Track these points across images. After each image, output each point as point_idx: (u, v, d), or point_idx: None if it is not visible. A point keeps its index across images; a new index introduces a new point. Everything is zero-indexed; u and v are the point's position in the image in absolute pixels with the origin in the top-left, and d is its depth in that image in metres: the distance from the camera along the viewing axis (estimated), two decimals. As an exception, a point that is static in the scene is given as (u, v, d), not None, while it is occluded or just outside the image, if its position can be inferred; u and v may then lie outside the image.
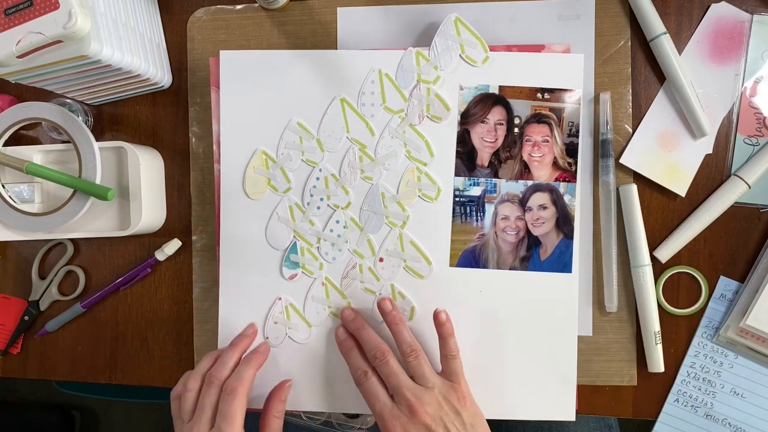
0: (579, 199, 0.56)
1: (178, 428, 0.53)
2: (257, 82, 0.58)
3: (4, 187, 0.60)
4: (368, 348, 0.54)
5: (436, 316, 0.54)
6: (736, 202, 0.56)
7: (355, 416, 0.63)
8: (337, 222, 0.57)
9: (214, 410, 0.51)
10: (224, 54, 0.58)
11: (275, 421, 0.54)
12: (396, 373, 0.52)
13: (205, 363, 0.54)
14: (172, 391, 0.54)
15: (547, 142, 0.56)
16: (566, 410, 0.56)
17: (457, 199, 0.57)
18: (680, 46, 0.56)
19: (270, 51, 0.58)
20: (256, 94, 0.58)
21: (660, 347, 0.56)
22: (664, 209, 0.58)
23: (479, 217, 0.57)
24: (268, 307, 0.58)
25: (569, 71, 0.55)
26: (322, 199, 0.58)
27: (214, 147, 0.59)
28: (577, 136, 0.56)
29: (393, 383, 0.51)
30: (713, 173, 0.57)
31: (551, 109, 0.56)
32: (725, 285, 0.57)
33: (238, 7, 0.60)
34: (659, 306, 0.57)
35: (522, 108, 0.56)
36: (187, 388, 0.53)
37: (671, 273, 0.57)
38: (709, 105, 0.56)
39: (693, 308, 0.57)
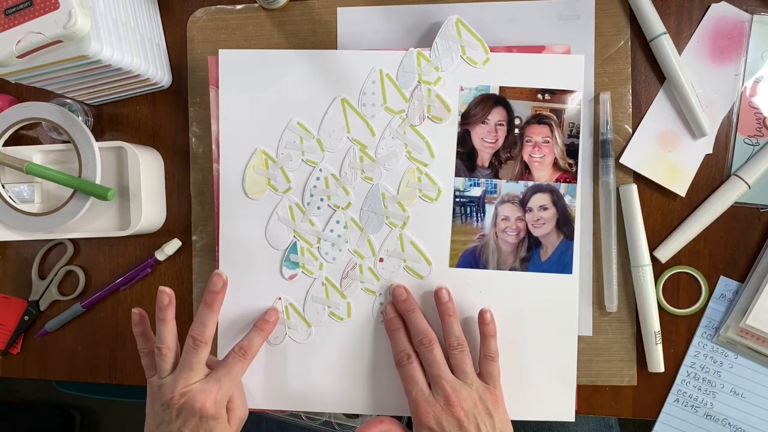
0: (579, 201, 0.56)
1: (154, 380, 0.53)
2: (257, 82, 0.58)
3: (4, 187, 0.60)
4: (416, 332, 0.54)
5: (481, 315, 0.54)
6: (736, 202, 0.56)
7: (355, 416, 0.63)
8: (338, 222, 0.57)
9: (202, 365, 0.52)
10: (223, 53, 0.58)
11: (258, 336, 0.55)
12: (439, 362, 0.52)
13: (168, 330, 0.53)
14: (143, 347, 0.54)
15: (548, 142, 0.56)
16: (566, 411, 0.56)
17: (458, 199, 0.57)
18: (680, 46, 0.56)
19: (270, 50, 0.58)
20: (255, 94, 0.58)
21: (660, 347, 0.56)
22: (664, 209, 0.58)
23: (479, 218, 0.57)
24: (268, 307, 0.58)
25: (570, 72, 0.55)
26: (322, 200, 0.58)
27: (213, 146, 0.59)
28: (578, 137, 0.56)
29: (434, 372, 0.52)
30: (713, 173, 0.57)
31: (552, 110, 0.56)
32: (725, 285, 0.57)
33: (238, 7, 0.60)
34: (659, 306, 0.57)
35: (522, 109, 0.56)
36: (164, 353, 0.52)
37: (671, 273, 0.57)
38: (709, 105, 0.56)
39: (693, 308, 0.57)
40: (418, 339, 0.54)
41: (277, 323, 0.57)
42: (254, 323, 0.56)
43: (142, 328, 0.55)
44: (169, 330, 0.53)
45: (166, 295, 0.53)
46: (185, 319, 0.62)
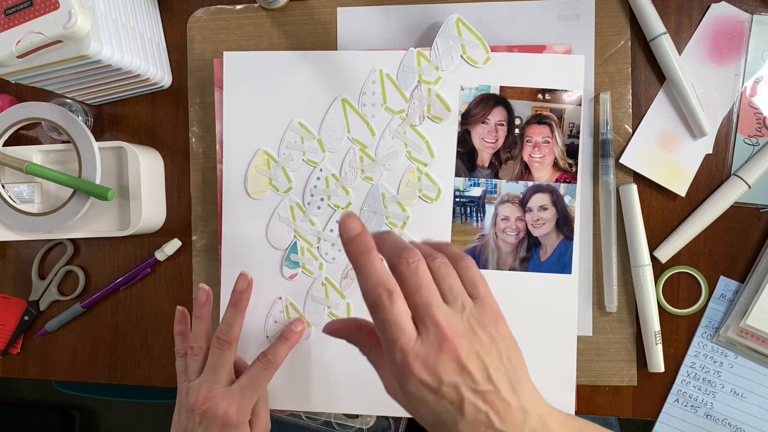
0: (579, 201, 0.56)
1: (184, 385, 0.53)
2: (260, 83, 0.58)
3: (4, 187, 0.60)
4: (395, 251, 0.38)
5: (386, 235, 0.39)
6: (736, 202, 0.56)
7: (355, 416, 0.63)
8: (338, 222, 0.57)
9: (227, 369, 0.52)
10: (228, 55, 0.58)
11: (283, 346, 0.55)
12: (428, 285, 0.37)
13: (202, 329, 0.54)
14: (180, 348, 0.55)
15: (548, 143, 0.56)
16: (566, 411, 0.56)
17: (458, 199, 0.57)
18: (680, 46, 0.56)
19: (273, 52, 0.58)
20: (258, 95, 0.58)
21: (660, 347, 0.56)
22: (664, 209, 0.58)
23: (479, 218, 0.57)
24: (269, 306, 0.58)
25: (570, 72, 0.55)
26: (322, 199, 0.58)
27: (217, 147, 0.59)
28: (578, 137, 0.56)
29: (422, 300, 0.37)
30: (713, 173, 0.57)
31: (552, 110, 0.56)
32: (725, 285, 0.57)
33: (238, 7, 0.60)
34: (659, 306, 0.57)
35: (523, 109, 0.56)
36: (196, 353, 0.53)
37: (671, 273, 0.57)
38: (709, 105, 0.56)
39: (693, 308, 0.57)
40: (397, 260, 0.38)
41: (302, 334, 0.57)
42: (281, 333, 0.57)
43: (182, 327, 0.55)
44: (203, 330, 0.53)
45: (204, 291, 0.53)
46: (185, 319, 0.62)
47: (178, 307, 0.56)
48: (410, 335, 0.37)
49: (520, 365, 0.39)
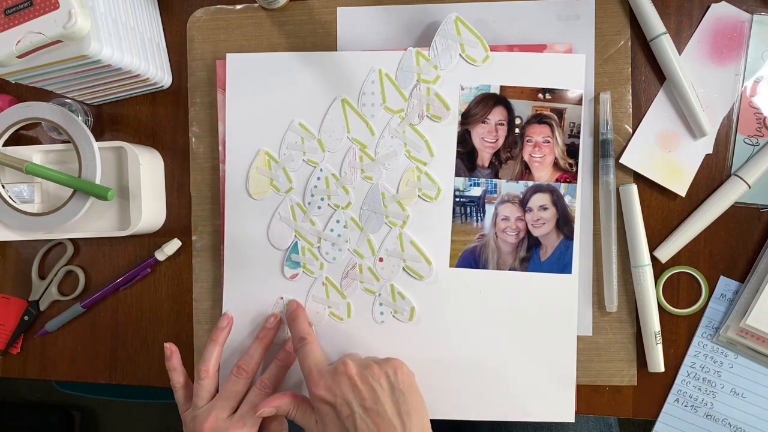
0: (579, 201, 0.56)
1: (188, 414, 0.55)
2: (261, 84, 0.58)
3: (4, 187, 0.60)
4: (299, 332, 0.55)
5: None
6: (736, 202, 0.56)
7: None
8: (338, 222, 0.58)
9: (239, 399, 0.54)
10: (230, 57, 0.58)
11: (277, 369, 0.56)
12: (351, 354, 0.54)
13: (214, 353, 0.56)
14: (176, 381, 0.57)
15: (548, 142, 0.56)
16: (565, 411, 0.56)
17: (458, 199, 0.57)
18: (680, 46, 0.56)
19: (274, 54, 0.58)
20: (260, 96, 0.58)
21: (660, 347, 0.56)
22: (664, 209, 0.58)
23: (479, 218, 0.57)
24: (270, 306, 0.58)
25: (570, 72, 0.55)
26: (322, 199, 0.58)
27: (220, 147, 0.59)
28: (578, 137, 0.56)
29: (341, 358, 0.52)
30: (713, 173, 0.57)
31: (552, 110, 0.56)
32: (725, 285, 0.57)
33: (238, 7, 0.60)
34: (659, 306, 0.57)
35: (523, 108, 0.56)
36: (202, 376, 0.55)
37: (671, 273, 0.57)
38: (709, 105, 0.56)
39: (693, 308, 0.57)
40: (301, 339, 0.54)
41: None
42: (275, 357, 0.57)
43: (173, 363, 0.57)
44: (215, 353, 0.56)
45: (227, 318, 0.58)
46: (185, 318, 0.62)
47: (166, 343, 0.58)
48: (319, 365, 0.51)
49: (413, 401, 0.49)
